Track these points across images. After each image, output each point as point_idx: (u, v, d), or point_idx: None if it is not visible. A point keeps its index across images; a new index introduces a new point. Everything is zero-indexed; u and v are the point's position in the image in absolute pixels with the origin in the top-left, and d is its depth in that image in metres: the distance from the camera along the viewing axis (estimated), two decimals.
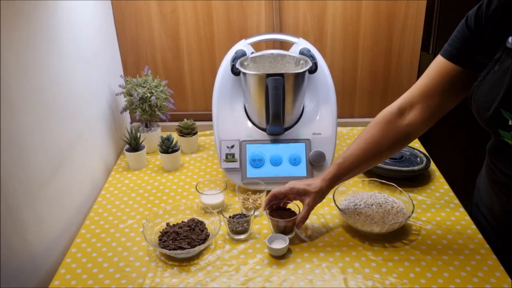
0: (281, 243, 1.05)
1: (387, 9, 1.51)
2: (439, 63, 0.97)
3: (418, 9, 1.51)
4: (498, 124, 0.88)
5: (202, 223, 1.12)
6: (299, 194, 1.07)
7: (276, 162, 1.26)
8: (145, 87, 1.43)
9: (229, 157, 1.27)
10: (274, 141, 1.28)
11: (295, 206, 1.11)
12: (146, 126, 1.53)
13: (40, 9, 1.04)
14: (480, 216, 1.13)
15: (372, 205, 1.16)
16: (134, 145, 1.41)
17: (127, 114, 1.63)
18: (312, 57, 1.29)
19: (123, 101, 1.48)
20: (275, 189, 1.09)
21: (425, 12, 1.52)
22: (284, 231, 1.07)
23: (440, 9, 1.56)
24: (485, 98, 0.89)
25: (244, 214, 1.15)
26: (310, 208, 1.06)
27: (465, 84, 0.94)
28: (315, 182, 1.06)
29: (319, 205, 1.21)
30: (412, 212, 1.10)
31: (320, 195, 1.06)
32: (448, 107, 1.01)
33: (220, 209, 1.14)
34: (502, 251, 1.04)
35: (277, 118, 1.22)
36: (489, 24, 0.88)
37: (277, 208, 1.11)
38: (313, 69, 1.28)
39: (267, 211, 1.08)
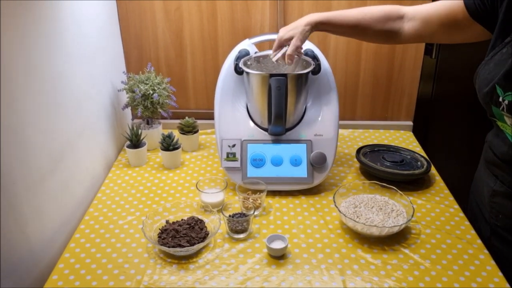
0: (280, 243, 1.05)
1: None
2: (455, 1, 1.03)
3: None
4: (491, 100, 0.93)
5: (201, 221, 1.12)
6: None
7: (277, 162, 1.26)
8: (147, 84, 1.43)
9: (230, 156, 1.27)
10: (276, 141, 1.28)
11: None
12: (148, 123, 1.53)
13: (45, 5, 1.03)
14: (474, 205, 1.17)
15: (372, 207, 1.16)
16: (135, 142, 1.41)
17: (128, 111, 1.63)
18: (315, 58, 1.29)
19: (125, 97, 1.48)
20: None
21: None
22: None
23: None
24: (487, 76, 0.94)
25: (244, 214, 1.15)
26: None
27: (461, 28, 1.03)
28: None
29: (318, 206, 1.22)
30: (412, 215, 1.10)
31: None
32: (438, 39, 1.14)
33: (220, 208, 1.14)
34: (490, 243, 1.08)
35: (279, 118, 1.22)
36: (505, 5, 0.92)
37: None
38: (316, 70, 1.28)
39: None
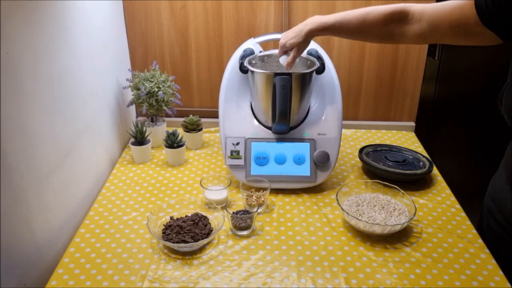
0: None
1: None
2: (466, 4, 0.93)
3: None
4: None
5: (205, 218, 1.13)
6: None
7: (280, 160, 1.27)
8: (152, 81, 1.44)
9: (234, 154, 1.28)
10: (279, 140, 1.29)
11: None
12: (152, 121, 1.54)
13: (51, 3, 1.04)
14: (493, 222, 1.11)
15: (374, 206, 1.17)
16: (140, 139, 1.42)
17: (133, 108, 1.64)
18: (319, 58, 1.30)
19: (130, 94, 1.49)
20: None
21: None
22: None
23: None
24: None
25: (248, 211, 1.16)
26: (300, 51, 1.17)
27: (471, 34, 0.93)
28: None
29: (321, 204, 1.23)
30: (414, 214, 1.11)
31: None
32: (444, 41, 1.04)
33: (224, 205, 1.15)
34: None
35: (283, 117, 1.23)
36: None
37: None
38: (321, 70, 1.29)
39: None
